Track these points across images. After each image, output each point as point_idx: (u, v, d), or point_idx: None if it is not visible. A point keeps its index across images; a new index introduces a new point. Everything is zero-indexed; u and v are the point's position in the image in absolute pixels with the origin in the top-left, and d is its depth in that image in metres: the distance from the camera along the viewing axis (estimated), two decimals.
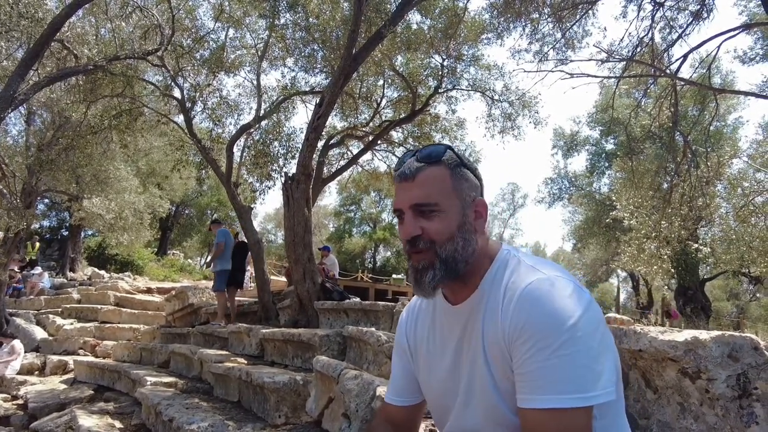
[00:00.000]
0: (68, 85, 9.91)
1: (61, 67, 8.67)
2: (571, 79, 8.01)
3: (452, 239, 0.95)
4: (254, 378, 3.99)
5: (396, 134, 12.32)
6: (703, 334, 1.65)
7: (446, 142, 12.38)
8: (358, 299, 6.54)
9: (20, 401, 7.26)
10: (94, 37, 9.73)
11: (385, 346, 3.68)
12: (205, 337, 7.08)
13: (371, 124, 11.76)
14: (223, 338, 6.69)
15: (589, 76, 7.27)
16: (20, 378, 8.07)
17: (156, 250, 20.86)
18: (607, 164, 21.67)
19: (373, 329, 4.22)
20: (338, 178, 13.74)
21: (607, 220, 15.19)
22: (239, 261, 8.30)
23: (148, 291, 13.29)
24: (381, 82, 11.78)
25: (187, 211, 25.90)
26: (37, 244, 16.25)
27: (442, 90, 11.24)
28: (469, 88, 11.45)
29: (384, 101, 11.94)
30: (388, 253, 36.36)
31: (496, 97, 11.25)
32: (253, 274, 13.27)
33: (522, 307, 0.86)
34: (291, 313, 6.67)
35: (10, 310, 11.29)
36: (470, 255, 0.97)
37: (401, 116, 11.37)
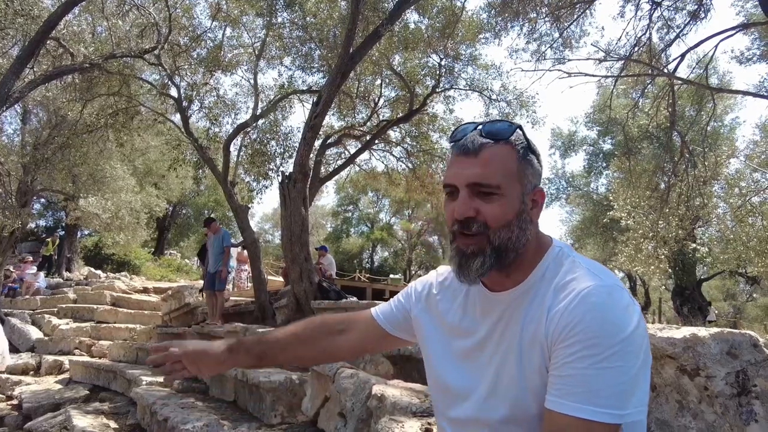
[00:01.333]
0: (64, 84, 9.87)
1: (57, 65, 8.63)
2: (568, 78, 8.02)
3: (509, 226, 0.89)
4: (250, 377, 3.96)
5: (393, 134, 12.30)
6: (702, 331, 1.63)
7: (444, 142, 12.41)
8: (354, 298, 6.51)
9: (15, 401, 7.21)
10: (91, 36, 9.68)
11: None
12: (201, 336, 7.04)
13: (369, 123, 11.73)
14: (219, 338, 6.65)
15: (586, 75, 7.27)
16: (15, 378, 8.02)
17: (153, 249, 20.80)
18: (604, 164, 21.70)
19: None
20: (336, 177, 13.73)
21: (605, 220, 15.20)
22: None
23: (145, 291, 13.23)
24: (378, 82, 11.76)
25: (184, 211, 25.83)
26: (57, 241, 16.26)
27: (439, 89, 11.22)
28: (467, 88, 11.45)
29: (381, 101, 11.92)
30: (386, 254, 36.34)
31: (494, 97, 11.25)
32: (250, 274, 13.24)
33: (576, 309, 0.82)
34: (287, 312, 6.64)
35: (6, 310, 11.23)
36: (522, 245, 0.91)
37: (399, 116, 11.35)
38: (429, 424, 1.87)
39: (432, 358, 1.06)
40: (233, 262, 15.05)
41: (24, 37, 7.93)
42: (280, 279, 12.09)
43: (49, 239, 15.97)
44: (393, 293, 10.22)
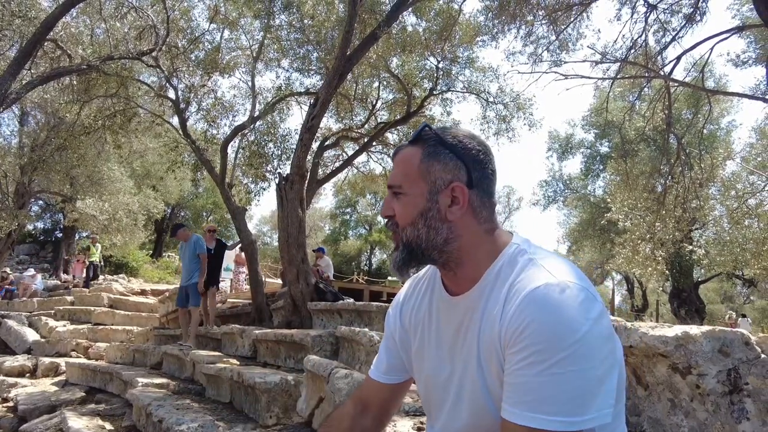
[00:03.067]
0: (62, 86, 9.88)
1: (55, 66, 8.63)
2: (565, 80, 8.05)
3: (413, 224, 0.91)
4: (246, 378, 3.95)
5: (391, 136, 12.31)
6: (694, 330, 1.64)
7: None
8: (351, 300, 6.50)
9: (10, 404, 7.18)
10: (89, 37, 9.70)
11: (377, 346, 3.65)
12: (198, 338, 7.03)
13: (366, 125, 11.75)
14: (216, 339, 6.64)
15: (583, 77, 7.29)
16: (11, 380, 7.99)
17: (151, 252, 20.76)
18: (601, 167, 21.75)
19: (366, 329, 4.19)
20: (333, 179, 13.72)
21: (602, 222, 15.23)
22: (218, 259, 7.51)
23: (142, 293, 13.20)
24: (376, 84, 11.79)
25: (182, 213, 25.81)
26: (99, 246, 14.09)
27: (437, 92, 11.25)
28: (464, 90, 11.47)
29: (379, 103, 11.95)
30: (384, 256, 36.36)
31: (491, 99, 11.27)
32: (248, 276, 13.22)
33: (524, 312, 0.78)
34: (284, 314, 6.63)
35: (2, 312, 11.20)
36: (441, 244, 0.90)
37: (396, 118, 11.37)
38: (422, 423, 1.87)
39: (416, 371, 1.07)
40: (231, 265, 15.10)
41: (21, 39, 7.93)
42: (279, 281, 12.08)
43: (89, 243, 14.13)
44: (391, 295, 10.25)
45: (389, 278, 20.45)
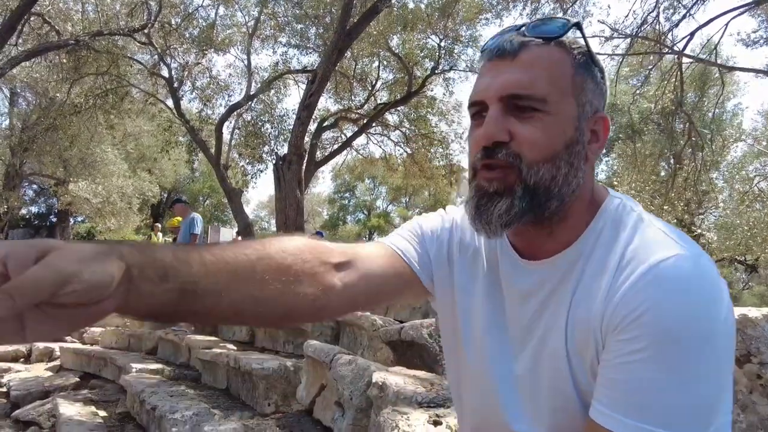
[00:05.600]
0: (51, 63, 9.55)
1: (42, 42, 8.32)
2: None
3: (553, 160, 0.63)
4: (242, 364, 3.77)
5: (391, 117, 12.05)
6: (753, 312, 1.43)
7: (443, 125, 12.20)
8: None
9: (3, 389, 7.02)
10: (78, 14, 9.37)
11: (380, 330, 3.47)
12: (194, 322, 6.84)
13: (366, 106, 11.48)
14: (212, 324, 6.46)
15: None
16: (4, 366, 7.81)
17: (148, 237, 20.54)
18: (605, 149, 21.55)
19: (368, 313, 4.01)
20: (332, 163, 13.50)
21: None
22: None
23: None
24: (376, 64, 11.49)
25: (178, 197, 25.52)
26: (160, 234, 12.42)
27: (438, 71, 10.96)
28: (467, 70, 11.17)
29: (379, 83, 11.67)
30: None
31: None
32: None
33: (646, 290, 0.57)
34: None
35: None
36: (570, 193, 0.65)
37: (397, 98, 11.09)
38: (437, 416, 1.67)
39: (447, 350, 0.82)
40: None
41: (5, 12, 7.61)
42: None
43: (150, 232, 12.99)
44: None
45: None
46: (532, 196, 0.63)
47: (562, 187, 0.64)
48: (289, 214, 6.37)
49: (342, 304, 0.67)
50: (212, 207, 26.87)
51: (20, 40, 8.46)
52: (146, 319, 0.55)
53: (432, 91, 11.60)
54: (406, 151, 12.28)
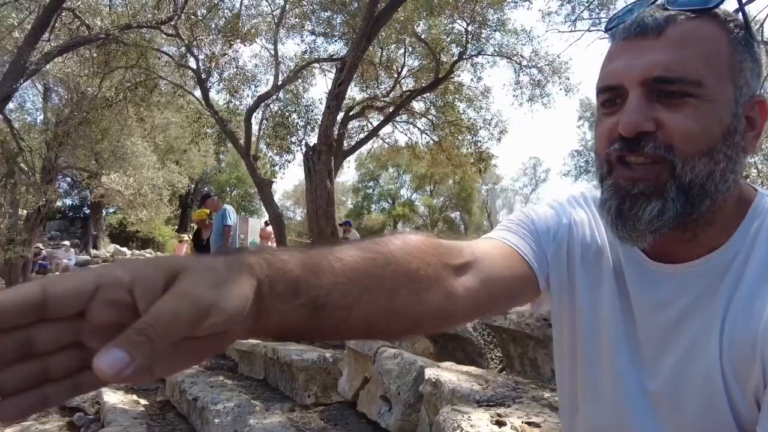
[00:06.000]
0: (82, 58, 9.69)
1: (74, 37, 8.44)
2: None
3: (710, 153, 0.54)
4: (281, 355, 3.77)
5: (417, 105, 11.90)
6: None
7: (471, 111, 12.00)
8: None
9: None
10: (107, 8, 9.46)
11: None
12: None
13: (392, 94, 11.35)
14: None
15: None
16: None
17: (177, 227, 20.92)
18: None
19: None
20: (357, 152, 13.42)
21: None
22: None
23: None
24: (402, 51, 11.34)
25: (206, 188, 25.89)
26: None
27: (466, 56, 10.73)
28: (495, 54, 10.92)
29: (405, 70, 11.50)
30: (407, 230, 36.12)
31: (524, 63, 10.73)
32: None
33: None
34: None
35: None
36: (725, 190, 0.56)
37: (423, 85, 10.93)
38: (498, 415, 1.60)
39: (559, 356, 0.74)
40: (257, 239, 15.05)
41: (38, 8, 7.72)
42: None
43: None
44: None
45: None
46: (687, 196, 0.55)
47: (718, 184, 0.55)
48: (320, 204, 6.35)
49: (466, 311, 0.59)
50: (239, 197, 27.19)
51: (52, 36, 8.59)
52: (273, 338, 0.48)
53: (459, 77, 11.41)
54: (433, 139, 12.13)
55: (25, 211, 10.46)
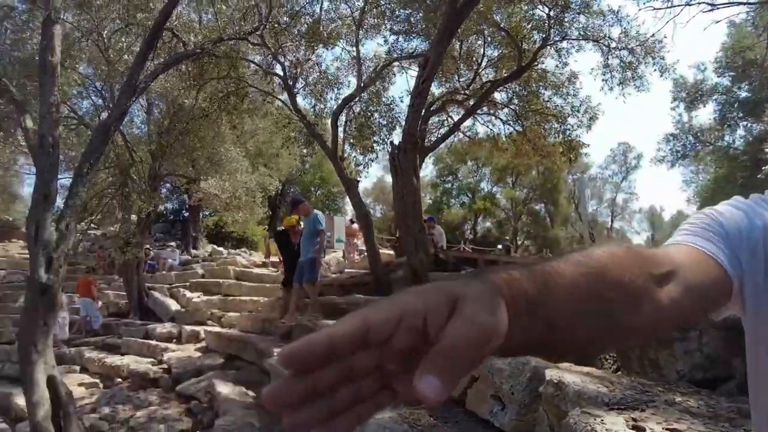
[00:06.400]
0: (179, 72, 10.46)
1: (172, 54, 9.12)
2: (711, 11, 6.86)
3: None
4: None
5: (499, 95, 11.61)
6: None
7: (557, 99, 11.49)
8: (473, 270, 6.21)
9: (164, 366, 7.95)
10: (198, 24, 10.13)
11: None
12: (323, 307, 7.17)
13: (472, 86, 11.16)
14: (341, 309, 6.72)
15: (740, 3, 6.12)
16: (162, 345, 8.86)
17: (267, 227, 22.04)
18: (741, 114, 19.02)
19: None
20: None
21: (744, 178, 13.27)
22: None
23: (264, 265, 13.99)
24: (480, 41, 11.11)
25: (292, 189, 27.03)
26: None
27: (550, 42, 10.30)
28: (580, 38, 10.39)
29: (485, 61, 11.26)
30: (488, 224, 35.38)
31: (613, 45, 10.11)
32: (359, 248, 13.44)
33: None
34: (404, 284, 6.50)
35: (149, 285, 12.47)
36: None
37: (504, 75, 10.64)
38: (634, 420, 1.53)
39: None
40: (342, 236, 15.50)
41: (144, 32, 8.42)
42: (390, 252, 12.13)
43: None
44: (507, 264, 9.83)
45: (498, 246, 19.84)
46: None
47: None
48: (408, 202, 6.40)
49: (672, 321, 0.58)
50: (323, 197, 28.10)
51: (153, 55, 9.34)
52: (505, 356, 0.50)
53: (543, 63, 10.98)
54: (517, 129, 11.78)
55: (135, 217, 11.52)
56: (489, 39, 10.97)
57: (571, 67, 11.86)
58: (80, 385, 7.98)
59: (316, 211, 6.85)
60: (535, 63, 10.07)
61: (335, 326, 0.36)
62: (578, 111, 10.61)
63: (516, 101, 11.34)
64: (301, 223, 6.92)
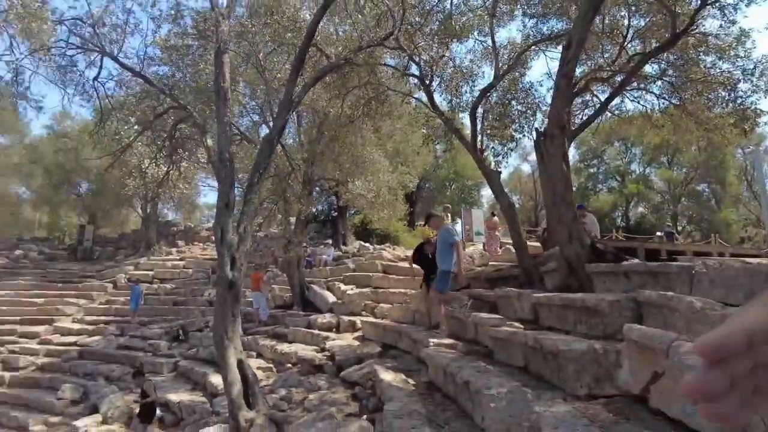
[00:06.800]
0: (323, 83, 11.31)
1: (318, 68, 9.90)
2: None
3: None
4: (545, 345, 3.82)
5: (649, 68, 10.54)
6: None
7: (723, 64, 10.08)
8: (637, 260, 5.79)
9: (327, 353, 8.71)
10: (335, 36, 10.82)
11: (700, 313, 3.08)
12: (473, 300, 7.26)
13: (617, 62, 10.30)
14: (490, 302, 6.75)
15: None
16: (324, 334, 9.70)
17: (407, 222, 22.74)
18: None
19: (680, 294, 3.62)
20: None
21: None
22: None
23: (407, 259, 14.52)
24: (624, 12, 10.20)
25: (427, 185, 27.49)
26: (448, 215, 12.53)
27: (710, 1, 9.08)
28: None
29: (630, 33, 10.32)
30: (640, 209, 32.19)
31: None
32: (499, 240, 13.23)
33: None
34: (558, 276, 6.30)
35: (308, 279, 13.72)
36: None
37: (655, 45, 9.63)
38: None
39: None
40: (481, 229, 15.40)
41: (293, 49, 9.27)
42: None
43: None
44: (672, 253, 8.92)
45: (657, 233, 18.03)
46: None
47: None
48: (558, 190, 6.17)
49: None
50: (458, 190, 28.12)
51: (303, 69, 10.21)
52: None
53: (703, 26, 9.71)
54: (673, 103, 10.60)
55: (293, 219, 12.72)
56: (634, 8, 10.03)
57: (740, 24, 10.32)
58: (258, 368, 9.10)
59: (447, 224, 7.01)
60: (693, 27, 8.95)
61: (744, 321, 0.41)
62: (752, 75, 9.21)
63: (671, 72, 10.21)
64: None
